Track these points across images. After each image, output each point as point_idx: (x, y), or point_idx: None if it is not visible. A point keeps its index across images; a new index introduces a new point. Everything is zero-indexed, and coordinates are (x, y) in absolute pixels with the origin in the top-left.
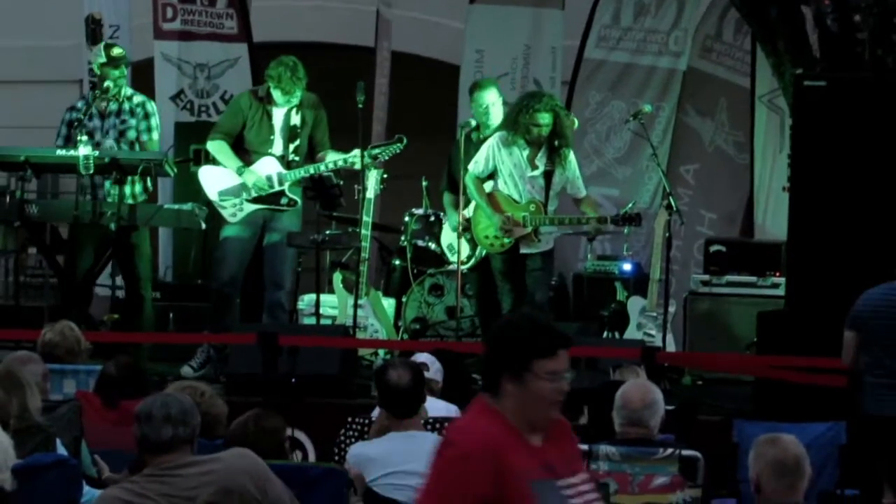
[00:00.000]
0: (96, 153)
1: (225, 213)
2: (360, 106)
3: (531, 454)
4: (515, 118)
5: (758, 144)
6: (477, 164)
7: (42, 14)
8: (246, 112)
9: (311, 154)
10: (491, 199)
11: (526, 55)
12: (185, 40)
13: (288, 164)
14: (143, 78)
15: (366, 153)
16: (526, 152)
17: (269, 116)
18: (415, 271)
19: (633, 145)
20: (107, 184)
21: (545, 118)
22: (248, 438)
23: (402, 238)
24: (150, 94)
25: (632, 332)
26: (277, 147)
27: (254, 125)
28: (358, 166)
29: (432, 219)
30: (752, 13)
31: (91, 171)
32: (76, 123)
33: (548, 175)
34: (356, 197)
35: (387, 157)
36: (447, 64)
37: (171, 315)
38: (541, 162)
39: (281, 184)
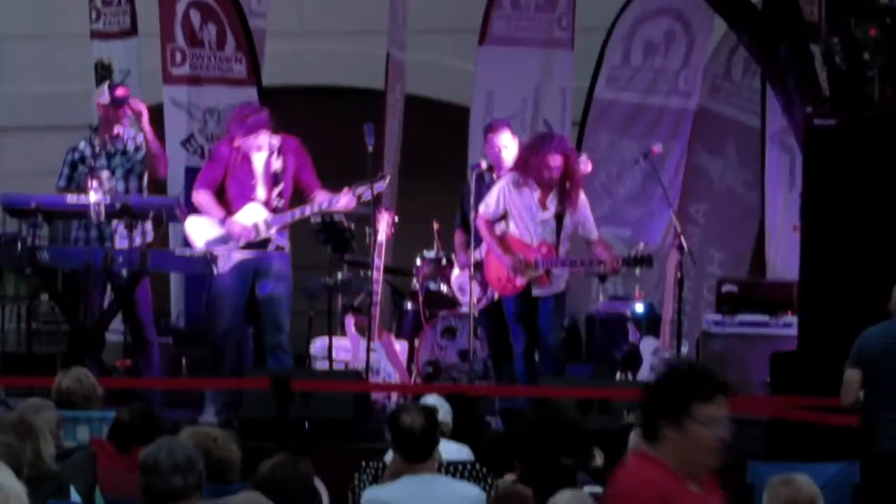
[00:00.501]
0: (107, 199)
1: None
2: (371, 149)
3: (694, 501)
4: (526, 160)
5: (768, 183)
6: (487, 207)
7: (52, 60)
8: (226, 160)
9: (300, 198)
10: (502, 241)
11: (536, 96)
12: (194, 85)
13: (273, 210)
14: (152, 123)
15: (352, 193)
16: (537, 194)
17: (249, 162)
18: (427, 314)
19: (644, 185)
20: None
21: (556, 160)
22: (280, 483)
23: (414, 281)
24: (160, 138)
25: (645, 374)
26: (261, 193)
27: (235, 172)
28: (341, 207)
29: (443, 261)
30: (760, 52)
31: (102, 218)
32: (79, 164)
33: (559, 217)
34: (367, 241)
35: (370, 196)
36: (456, 106)
37: (183, 360)
38: (552, 204)
39: (268, 229)
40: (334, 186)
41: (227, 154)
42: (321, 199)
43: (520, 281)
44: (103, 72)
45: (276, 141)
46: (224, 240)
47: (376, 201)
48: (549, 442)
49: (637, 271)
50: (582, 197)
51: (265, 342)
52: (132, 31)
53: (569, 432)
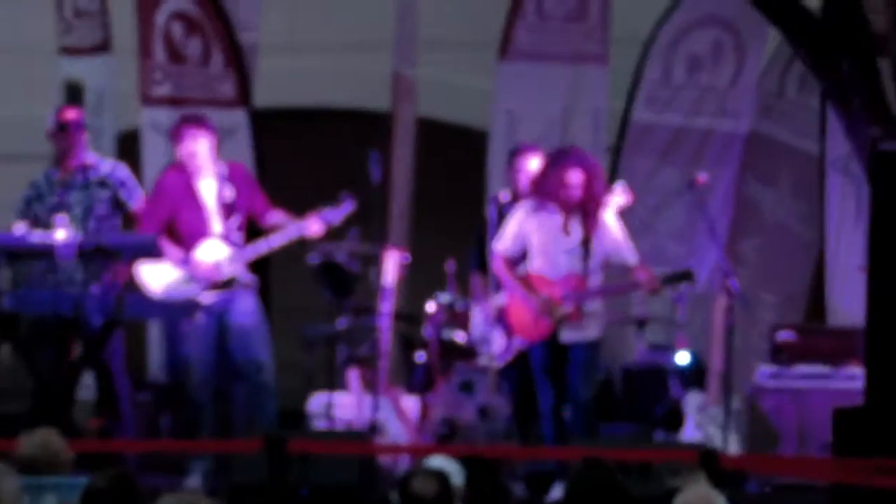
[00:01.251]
0: (78, 237)
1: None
2: (377, 180)
3: None
4: (543, 179)
5: (828, 216)
6: (504, 242)
7: (16, 81)
8: (171, 193)
9: (252, 228)
10: (524, 280)
11: (564, 118)
12: (176, 106)
13: (232, 244)
14: (128, 149)
15: (320, 218)
16: (558, 219)
17: (197, 193)
18: (441, 367)
19: (688, 219)
20: None
21: (576, 176)
22: None
23: (426, 329)
24: (137, 167)
25: (689, 433)
26: (216, 227)
27: (183, 206)
28: (311, 234)
29: (460, 307)
30: (820, 67)
31: (72, 258)
32: (34, 202)
33: (585, 243)
34: (373, 284)
35: (338, 222)
36: (473, 129)
37: (161, 420)
38: (576, 229)
39: (231, 267)
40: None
41: (173, 186)
42: (288, 229)
43: (547, 323)
44: (73, 93)
45: (222, 169)
46: (186, 283)
47: (383, 239)
48: None
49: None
50: (610, 219)
51: (250, 391)
52: (105, 46)
53: (619, 497)
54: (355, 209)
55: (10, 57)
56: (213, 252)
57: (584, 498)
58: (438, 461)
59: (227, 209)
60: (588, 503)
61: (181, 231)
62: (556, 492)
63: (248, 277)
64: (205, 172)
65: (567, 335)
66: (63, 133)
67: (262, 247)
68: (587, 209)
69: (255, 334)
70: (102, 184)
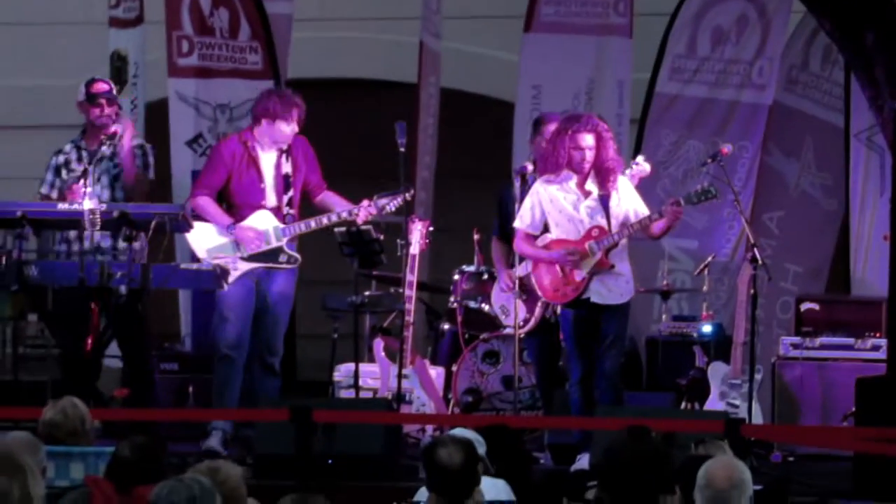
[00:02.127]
0: (103, 206)
1: None
2: (402, 149)
3: None
4: (555, 144)
5: (853, 188)
6: (522, 219)
7: (44, 50)
8: (229, 162)
9: (306, 199)
10: (547, 248)
11: (590, 90)
12: (203, 77)
13: (283, 218)
14: (156, 120)
15: (374, 205)
16: (573, 181)
17: (257, 164)
18: (466, 336)
19: None
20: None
21: (588, 139)
22: None
23: (452, 299)
24: (164, 138)
25: (713, 403)
26: (269, 199)
27: (241, 175)
28: (362, 218)
29: (485, 276)
30: (844, 39)
31: (97, 228)
32: (63, 169)
33: (604, 199)
34: (399, 253)
35: (394, 209)
36: (499, 101)
37: (190, 388)
38: (592, 187)
39: (279, 239)
40: (361, 189)
41: (231, 154)
42: (339, 210)
43: (579, 275)
44: (119, 63)
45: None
46: (230, 249)
47: (408, 209)
48: (643, 474)
49: (705, 283)
50: (625, 182)
51: (255, 365)
52: (139, 19)
53: (663, 465)
54: (375, 168)
55: (34, 29)
56: (262, 223)
57: (627, 466)
58: (462, 432)
59: (284, 182)
60: (631, 471)
61: (235, 200)
62: (582, 462)
63: (294, 254)
64: (269, 147)
65: (598, 297)
66: (93, 104)
67: (312, 224)
68: (601, 170)
69: (280, 319)
70: (132, 154)
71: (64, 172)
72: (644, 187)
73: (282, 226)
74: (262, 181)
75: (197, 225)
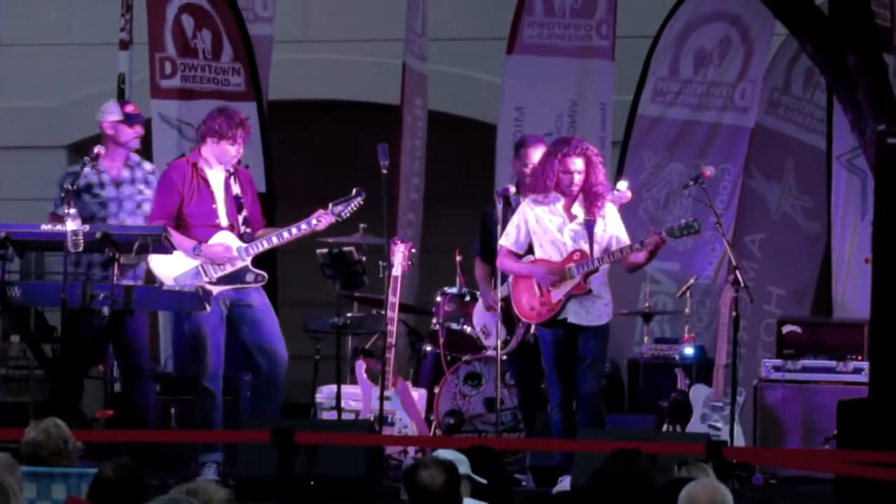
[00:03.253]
0: (86, 228)
1: None
2: (385, 171)
3: None
4: (544, 167)
5: (834, 210)
6: (508, 237)
7: (27, 71)
8: (180, 185)
9: (253, 230)
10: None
11: (572, 112)
12: (185, 99)
13: (241, 238)
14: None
15: (329, 211)
16: (560, 204)
17: (208, 184)
18: (448, 358)
19: (695, 213)
20: None
21: (577, 163)
22: None
23: (434, 320)
24: (148, 159)
25: (695, 425)
26: (223, 219)
27: (192, 197)
28: (321, 228)
29: (467, 298)
30: (826, 62)
31: (80, 249)
32: (84, 193)
33: (589, 225)
34: (381, 275)
35: (348, 215)
36: (482, 123)
37: (172, 411)
38: (578, 211)
39: (243, 259)
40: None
41: (182, 177)
42: (298, 224)
43: (556, 296)
44: (123, 86)
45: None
46: (196, 275)
47: (391, 231)
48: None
49: (687, 305)
50: (612, 207)
51: (260, 380)
52: (130, 40)
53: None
54: (364, 201)
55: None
56: (226, 243)
57: (614, 487)
58: (446, 454)
59: (236, 203)
60: (620, 494)
61: (191, 222)
62: (564, 484)
63: (260, 272)
64: (216, 166)
65: (575, 317)
66: (130, 124)
67: (273, 241)
68: (589, 194)
69: (273, 326)
70: (146, 181)
71: (85, 196)
72: (626, 210)
73: (244, 245)
74: (215, 201)
75: (159, 254)
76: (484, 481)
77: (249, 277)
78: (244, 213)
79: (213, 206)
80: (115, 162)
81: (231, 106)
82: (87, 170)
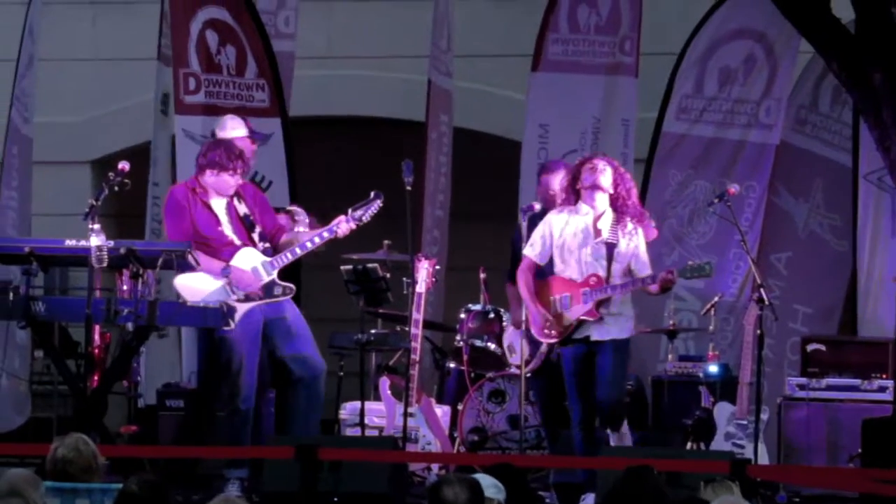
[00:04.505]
0: (110, 243)
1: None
2: (409, 188)
3: None
4: (573, 179)
5: (861, 229)
6: (532, 247)
7: (52, 87)
8: (186, 206)
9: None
10: (547, 285)
11: (596, 129)
12: (209, 115)
13: (262, 253)
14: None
15: (350, 217)
16: (589, 218)
17: (210, 208)
18: (472, 375)
19: (719, 231)
20: None
21: (601, 163)
22: None
23: (458, 337)
24: (171, 174)
25: (719, 443)
26: (230, 236)
27: (198, 219)
28: (342, 233)
29: (491, 315)
30: (851, 79)
31: (104, 264)
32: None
33: (610, 246)
34: (405, 291)
35: (368, 219)
36: (506, 140)
37: (196, 426)
38: (605, 227)
39: (269, 274)
40: (367, 228)
41: (186, 199)
42: (319, 231)
43: (566, 319)
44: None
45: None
46: (223, 293)
47: (415, 248)
48: None
49: (712, 323)
50: (641, 234)
51: (298, 393)
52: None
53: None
54: (388, 218)
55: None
56: (249, 260)
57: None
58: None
59: (245, 222)
60: None
61: (209, 245)
62: (587, 502)
63: (287, 284)
64: (214, 195)
65: (597, 334)
66: (250, 141)
67: (297, 252)
68: (618, 207)
69: (308, 337)
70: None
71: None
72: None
73: (267, 260)
74: (220, 224)
75: (185, 276)
76: None
77: (277, 291)
78: (257, 230)
79: (220, 228)
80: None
81: (227, 140)
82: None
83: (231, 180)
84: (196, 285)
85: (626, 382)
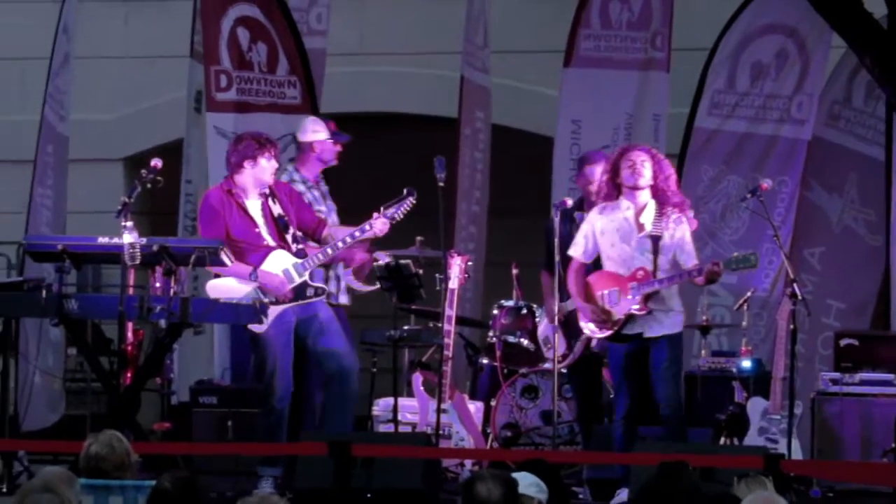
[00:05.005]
0: (143, 240)
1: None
2: (441, 184)
3: None
4: (609, 169)
5: (895, 223)
6: (577, 246)
7: (84, 85)
8: (221, 210)
9: (312, 238)
10: (593, 281)
11: (629, 125)
12: (241, 112)
13: (295, 255)
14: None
15: (383, 214)
16: (630, 211)
17: (245, 210)
18: (505, 371)
19: (752, 226)
20: None
21: (640, 155)
22: None
23: (491, 333)
24: (203, 171)
25: (753, 438)
26: (268, 241)
27: (234, 223)
28: (376, 233)
29: (524, 311)
30: (885, 75)
31: (137, 262)
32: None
33: (654, 239)
34: (438, 287)
35: (402, 216)
36: (538, 136)
37: (229, 423)
38: (647, 221)
39: (300, 276)
40: (399, 225)
41: (220, 203)
42: (352, 231)
43: (616, 314)
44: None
45: (265, 188)
46: (254, 296)
47: (448, 243)
48: None
49: (744, 318)
50: (685, 225)
51: (331, 390)
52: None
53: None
54: (421, 214)
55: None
56: (280, 263)
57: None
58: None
59: (280, 223)
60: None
61: (241, 248)
62: (622, 496)
63: (320, 285)
64: (251, 194)
65: (649, 330)
66: (332, 143)
67: (328, 252)
68: (659, 196)
69: (341, 334)
70: (325, 197)
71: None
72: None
73: (299, 261)
74: (256, 226)
75: (216, 282)
76: None
77: (310, 292)
78: (291, 231)
79: (256, 230)
80: (310, 176)
81: (253, 130)
82: (296, 175)
83: (268, 165)
84: (226, 290)
85: (680, 378)
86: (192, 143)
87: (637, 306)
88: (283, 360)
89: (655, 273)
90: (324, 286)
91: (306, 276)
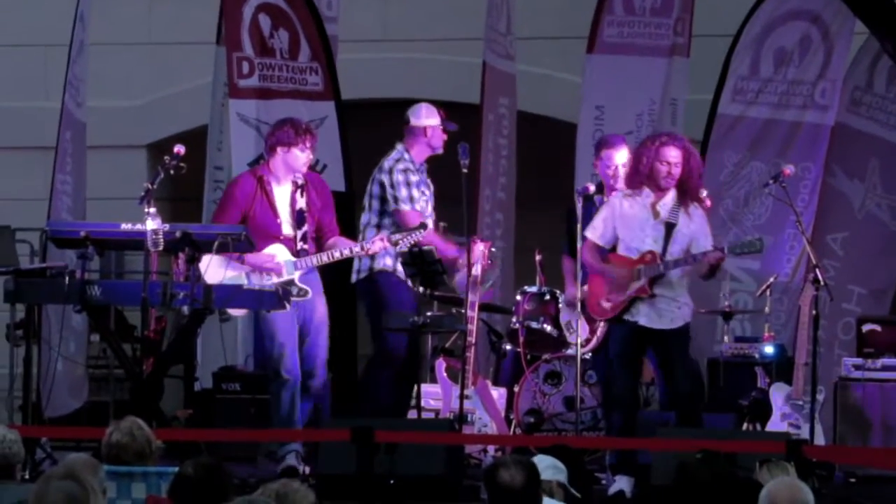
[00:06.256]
0: (166, 227)
1: None
2: (465, 170)
3: None
4: (639, 158)
5: None
6: (594, 230)
7: (106, 71)
8: (242, 202)
9: (317, 239)
10: (606, 261)
11: (652, 111)
12: (263, 99)
13: (296, 253)
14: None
15: (386, 237)
16: (650, 199)
17: (271, 199)
18: (528, 357)
19: (775, 212)
20: None
21: (673, 154)
22: None
23: (514, 319)
24: (226, 159)
25: (775, 424)
26: (286, 231)
27: (255, 212)
28: (373, 251)
29: (547, 297)
30: None
31: (160, 248)
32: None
33: (669, 227)
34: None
35: (406, 247)
36: (562, 122)
37: (252, 410)
38: (663, 209)
39: (290, 273)
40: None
41: (244, 194)
42: (352, 244)
43: (620, 296)
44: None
45: (300, 177)
46: (245, 280)
47: (471, 230)
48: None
49: (767, 304)
50: (701, 212)
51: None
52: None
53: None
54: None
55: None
56: (277, 255)
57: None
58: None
59: (299, 216)
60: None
61: (254, 234)
62: (620, 484)
63: (303, 287)
64: (284, 179)
65: (646, 320)
66: (441, 131)
67: (323, 258)
68: (685, 188)
69: (320, 346)
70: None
71: (414, 190)
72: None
73: (294, 259)
74: (278, 216)
75: (206, 257)
76: (579, 496)
77: (294, 290)
78: (304, 227)
79: (277, 220)
80: (418, 159)
81: (294, 118)
82: (406, 155)
83: (302, 156)
84: (216, 271)
85: (695, 370)
86: (222, 129)
87: (640, 288)
88: (289, 336)
89: (663, 255)
90: (307, 288)
91: (296, 276)
